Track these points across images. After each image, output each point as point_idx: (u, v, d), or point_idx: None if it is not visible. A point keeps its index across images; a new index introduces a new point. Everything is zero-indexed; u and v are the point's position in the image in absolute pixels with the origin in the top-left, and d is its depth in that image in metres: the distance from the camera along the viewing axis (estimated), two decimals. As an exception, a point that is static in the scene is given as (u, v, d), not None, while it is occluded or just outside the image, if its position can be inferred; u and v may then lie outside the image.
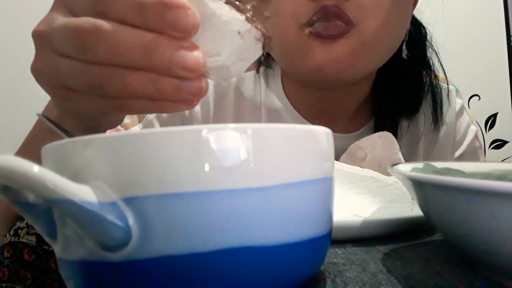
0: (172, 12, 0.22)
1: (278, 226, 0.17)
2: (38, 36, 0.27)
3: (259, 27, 0.23)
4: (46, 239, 0.19)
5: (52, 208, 0.18)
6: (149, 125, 0.58)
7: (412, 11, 0.58)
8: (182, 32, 0.22)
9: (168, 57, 0.22)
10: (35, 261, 0.36)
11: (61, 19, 0.25)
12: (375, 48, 0.50)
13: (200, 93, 0.24)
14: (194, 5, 0.22)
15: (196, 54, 0.22)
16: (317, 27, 0.47)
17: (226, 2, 0.23)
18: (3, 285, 0.36)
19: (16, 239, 0.37)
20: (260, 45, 0.24)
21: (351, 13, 0.47)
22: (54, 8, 0.27)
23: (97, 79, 0.24)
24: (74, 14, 0.25)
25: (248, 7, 0.23)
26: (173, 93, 0.23)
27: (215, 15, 0.22)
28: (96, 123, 0.33)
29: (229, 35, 0.23)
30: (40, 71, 0.28)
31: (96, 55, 0.23)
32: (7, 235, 0.38)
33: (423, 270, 0.22)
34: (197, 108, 0.61)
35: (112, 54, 0.23)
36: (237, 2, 0.23)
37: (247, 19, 0.23)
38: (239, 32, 0.23)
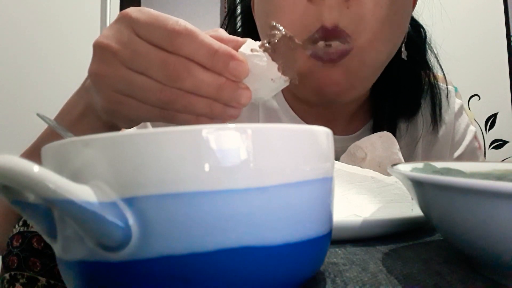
0: (235, 62, 0.30)
1: (278, 226, 0.17)
2: (106, 49, 0.32)
3: (286, 72, 0.31)
4: (46, 239, 0.19)
5: (52, 208, 0.18)
6: (144, 126, 0.58)
7: (411, 12, 0.58)
8: (238, 78, 0.31)
9: (231, 94, 0.31)
10: (44, 248, 0.37)
11: (144, 47, 0.31)
12: (374, 62, 0.50)
13: (235, 117, 0.32)
14: (243, 58, 0.31)
15: (248, 94, 0.31)
16: (318, 52, 0.47)
17: (264, 51, 0.31)
18: (12, 273, 0.36)
19: (25, 229, 0.38)
20: (288, 82, 0.32)
21: (350, 27, 0.47)
22: (119, 25, 0.32)
23: (171, 98, 0.31)
24: (139, 37, 0.31)
25: (280, 56, 0.31)
26: (220, 114, 0.32)
27: (256, 67, 0.31)
28: (127, 125, 0.38)
29: (264, 81, 0.31)
30: (103, 77, 0.33)
31: (182, 86, 0.31)
32: (16, 226, 0.39)
33: (423, 270, 0.22)
34: None
35: (195, 87, 0.30)
36: (271, 50, 0.31)
37: (278, 69, 0.31)
38: (272, 79, 0.31)
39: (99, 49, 0.33)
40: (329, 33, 0.47)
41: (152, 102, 0.32)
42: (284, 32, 0.31)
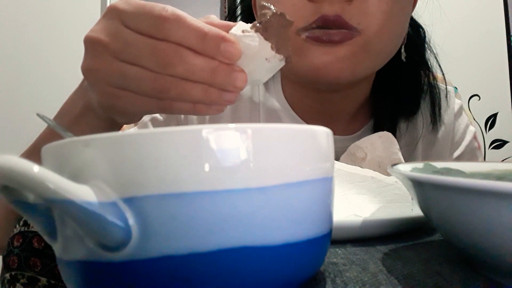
0: (226, 44, 0.29)
1: (278, 226, 0.17)
2: (96, 43, 0.32)
3: (281, 50, 0.30)
4: (46, 239, 0.19)
5: (52, 208, 0.18)
6: (144, 127, 0.58)
7: (411, 12, 0.58)
8: (230, 60, 0.30)
9: (226, 78, 0.30)
10: (44, 248, 0.37)
11: (133, 36, 0.31)
12: (377, 52, 0.50)
13: (233, 101, 0.31)
14: (234, 39, 0.30)
15: (243, 76, 0.30)
16: (315, 32, 0.46)
17: (256, 31, 0.30)
18: (13, 273, 0.37)
19: (26, 229, 0.38)
20: (283, 61, 0.31)
21: (355, 19, 0.46)
22: (107, 18, 0.32)
23: (165, 86, 0.30)
24: (128, 27, 0.31)
25: (273, 34, 0.30)
26: (217, 100, 0.31)
27: (248, 48, 0.30)
28: (126, 119, 0.38)
29: (259, 61, 0.30)
30: (96, 72, 0.33)
31: (174, 72, 0.30)
32: (17, 226, 0.39)
33: (423, 270, 0.22)
34: None
35: (188, 72, 0.30)
36: (263, 29, 0.30)
37: (272, 48, 0.30)
38: (266, 59, 0.30)
39: (89, 43, 0.33)
40: (330, 22, 0.45)
41: (147, 93, 0.32)
42: (274, 10, 0.30)
